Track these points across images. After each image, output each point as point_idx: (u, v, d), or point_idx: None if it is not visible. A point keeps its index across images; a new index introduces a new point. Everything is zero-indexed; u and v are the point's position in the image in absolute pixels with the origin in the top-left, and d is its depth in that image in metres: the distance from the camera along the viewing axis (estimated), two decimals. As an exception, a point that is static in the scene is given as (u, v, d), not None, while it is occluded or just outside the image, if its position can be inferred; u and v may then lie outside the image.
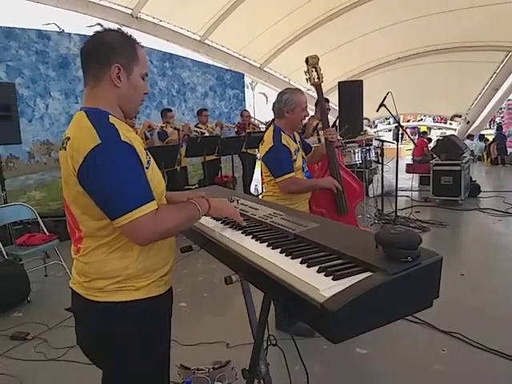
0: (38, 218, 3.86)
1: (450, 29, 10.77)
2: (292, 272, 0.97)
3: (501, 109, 22.27)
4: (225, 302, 3.28)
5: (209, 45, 11.40)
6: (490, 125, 20.83)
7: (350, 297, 0.85)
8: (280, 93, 2.52)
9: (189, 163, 6.64)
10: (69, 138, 1.13)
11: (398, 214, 5.53)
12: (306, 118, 2.56)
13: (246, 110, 7.51)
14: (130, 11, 9.51)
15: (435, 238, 4.92)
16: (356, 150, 5.11)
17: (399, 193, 5.94)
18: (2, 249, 3.49)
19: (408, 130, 21.07)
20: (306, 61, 2.41)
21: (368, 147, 5.43)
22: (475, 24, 10.25)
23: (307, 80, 2.42)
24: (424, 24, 10.62)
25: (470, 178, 7.22)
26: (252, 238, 1.26)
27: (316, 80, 2.40)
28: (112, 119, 1.14)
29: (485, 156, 12.45)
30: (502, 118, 23.90)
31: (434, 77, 12.84)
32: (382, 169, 5.74)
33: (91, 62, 1.19)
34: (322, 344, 2.52)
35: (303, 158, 2.59)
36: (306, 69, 2.40)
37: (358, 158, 5.13)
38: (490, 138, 13.08)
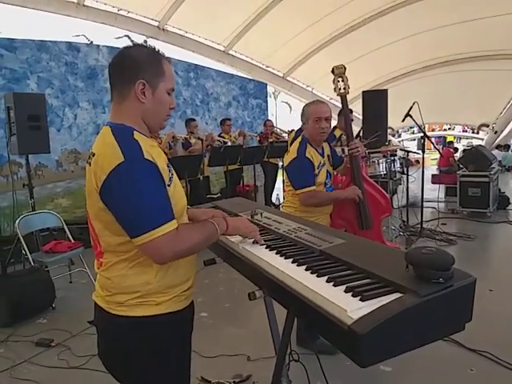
0: (64, 226, 3.94)
1: (476, 37, 10.58)
2: (318, 291, 0.95)
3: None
4: (246, 313, 3.26)
5: (233, 55, 11.54)
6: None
7: (378, 319, 0.82)
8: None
9: (211, 172, 6.69)
10: (94, 154, 1.15)
11: (424, 225, 5.40)
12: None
13: (269, 120, 7.54)
14: (156, 23, 9.75)
15: (462, 251, 4.77)
16: (380, 161, 5.04)
17: (425, 204, 5.80)
18: (29, 255, 3.58)
19: (433, 140, 20.73)
20: (332, 71, 2.39)
21: (392, 157, 5.34)
22: (502, 32, 10.04)
23: (334, 90, 2.39)
24: (450, 33, 10.46)
25: (499, 189, 6.99)
26: (276, 253, 1.25)
27: (342, 90, 2.37)
28: (136, 135, 1.15)
29: (515, 166, 12.08)
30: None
31: (461, 86, 12.61)
32: (407, 179, 5.62)
33: (117, 79, 1.21)
34: (344, 360, 2.45)
35: (329, 172, 2.55)
36: (332, 79, 2.38)
37: (382, 169, 5.05)
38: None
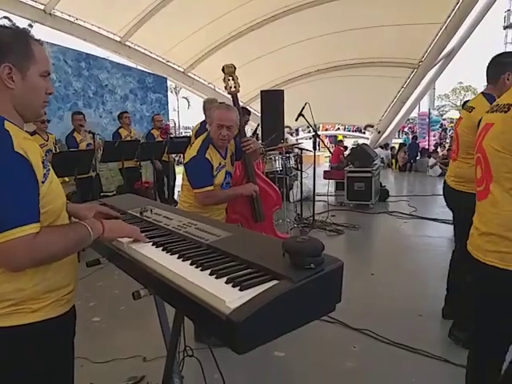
0: None
1: (364, 45, 11.59)
2: (200, 284, 0.96)
3: (409, 120, 24.51)
4: (144, 314, 3.16)
5: (130, 47, 10.98)
6: (398, 135, 22.74)
7: (254, 307, 0.86)
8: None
9: (106, 169, 6.32)
10: None
11: (316, 217, 5.79)
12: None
13: (157, 115, 7.29)
14: (42, 7, 8.82)
15: (349, 239, 5.24)
16: (277, 158, 5.27)
17: (317, 198, 6.23)
18: None
19: (327, 139, 22.29)
20: (223, 69, 2.43)
21: (288, 155, 5.62)
22: (386, 42, 11.16)
23: (225, 88, 2.43)
24: (341, 39, 11.30)
25: (380, 183, 7.79)
26: (163, 249, 1.23)
27: (233, 89, 2.43)
28: (8, 125, 1.04)
29: (394, 163, 13.54)
30: (410, 128, 26.32)
31: (350, 89, 13.71)
32: (301, 175, 5.98)
33: None
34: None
35: (228, 172, 2.56)
36: (223, 77, 2.42)
37: (278, 165, 5.28)
38: (397, 147, 14.26)
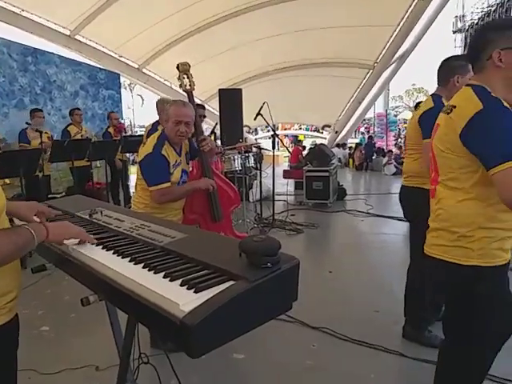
0: None
1: (321, 45, 11.82)
2: (151, 287, 0.92)
3: (364, 120, 25.29)
4: (96, 321, 2.99)
5: (80, 41, 10.54)
6: (355, 134, 23.43)
7: (209, 309, 0.83)
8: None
9: (55, 169, 6.01)
10: None
11: (276, 217, 5.81)
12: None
13: (113, 112, 7.06)
14: (-18, -4, 8.28)
15: (308, 238, 5.30)
16: (236, 157, 5.23)
17: (277, 197, 6.26)
18: None
19: (287, 138, 22.58)
20: (178, 67, 2.38)
21: (247, 154, 5.60)
22: (343, 42, 11.45)
23: (180, 86, 2.38)
24: (299, 39, 11.45)
25: (338, 182, 7.96)
26: (113, 253, 1.17)
27: (188, 87, 2.38)
28: None
29: (350, 162, 13.92)
30: (366, 128, 27.20)
31: (308, 89, 13.95)
32: (260, 175, 5.98)
33: None
34: (200, 354, 2.48)
35: (184, 170, 2.50)
36: (178, 75, 2.36)
37: (237, 165, 5.25)
38: (354, 147, 14.68)
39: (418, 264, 2.57)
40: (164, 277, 0.98)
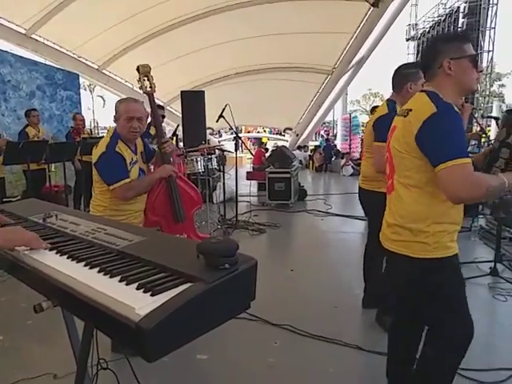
0: None
1: (282, 50, 11.95)
2: (106, 292, 0.91)
3: (324, 123, 25.78)
4: (54, 328, 2.90)
5: (37, 40, 10.10)
6: (315, 137, 23.87)
7: (166, 312, 0.84)
8: None
9: (9, 172, 5.75)
10: None
11: (239, 218, 5.84)
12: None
13: (78, 114, 6.89)
14: None
15: (271, 238, 5.37)
16: (198, 159, 5.22)
17: (240, 198, 6.29)
18: None
19: (250, 141, 22.65)
20: (138, 69, 2.36)
21: (210, 156, 5.59)
22: (303, 48, 11.63)
23: (140, 88, 2.36)
24: (260, 43, 11.53)
25: (299, 183, 8.10)
26: (68, 257, 1.15)
27: (148, 89, 2.37)
28: None
29: (311, 164, 14.17)
30: (326, 131, 27.74)
31: (271, 92, 14.07)
32: (224, 176, 6.00)
33: None
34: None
35: (142, 169, 2.47)
36: (138, 77, 2.35)
37: (200, 167, 5.24)
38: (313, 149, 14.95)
39: (375, 237, 2.73)
40: (120, 281, 0.98)
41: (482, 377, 2.25)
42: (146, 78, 2.38)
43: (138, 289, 0.93)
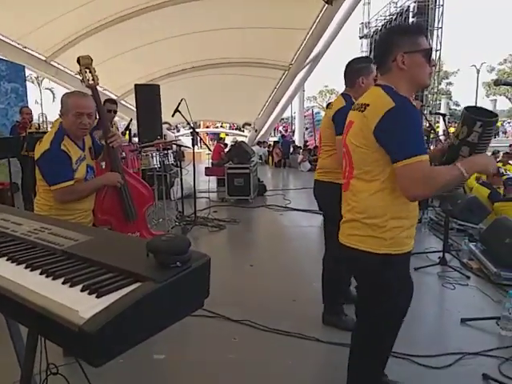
0: None
1: (239, 45, 11.90)
2: (48, 295, 0.86)
3: (283, 119, 26.03)
4: (3, 334, 2.74)
5: (-24, 29, 9.44)
6: (274, 133, 24.07)
7: (112, 314, 0.80)
8: None
9: None
10: None
11: (198, 214, 5.77)
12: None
13: (26, 107, 6.53)
14: None
15: (230, 234, 5.34)
16: (154, 154, 5.08)
17: (199, 195, 6.22)
18: None
19: (209, 136, 22.46)
20: (78, 61, 2.23)
21: (166, 151, 5.46)
22: (260, 43, 11.64)
23: (81, 81, 2.24)
24: (217, 37, 11.40)
25: (258, 179, 8.14)
26: (7, 259, 1.07)
27: (91, 82, 2.25)
28: None
29: (270, 160, 14.27)
30: (285, 127, 28.06)
31: (229, 87, 14.01)
32: (181, 172, 5.89)
33: None
34: (117, 358, 2.37)
35: (90, 166, 2.35)
36: (78, 69, 2.23)
37: (156, 162, 5.10)
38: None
39: (332, 252, 2.74)
40: (63, 283, 0.93)
41: (430, 362, 2.35)
42: (87, 70, 2.25)
43: (82, 291, 0.89)
